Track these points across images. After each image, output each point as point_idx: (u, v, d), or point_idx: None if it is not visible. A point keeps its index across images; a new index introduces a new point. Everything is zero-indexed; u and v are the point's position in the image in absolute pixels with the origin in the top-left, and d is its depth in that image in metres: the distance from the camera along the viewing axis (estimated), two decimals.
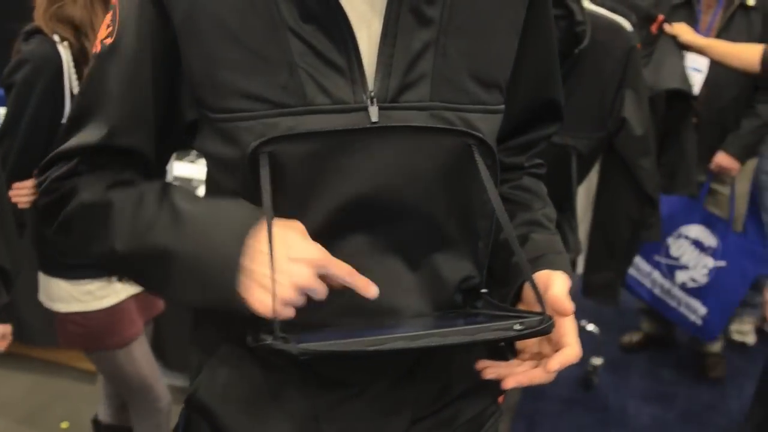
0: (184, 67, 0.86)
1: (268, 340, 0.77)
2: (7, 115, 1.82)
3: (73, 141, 0.89)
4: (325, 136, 0.82)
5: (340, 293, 0.82)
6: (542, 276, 0.90)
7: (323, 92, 0.83)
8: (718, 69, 2.76)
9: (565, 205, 2.30)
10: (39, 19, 1.83)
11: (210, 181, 0.96)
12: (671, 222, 3.06)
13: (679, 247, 3.06)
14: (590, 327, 3.31)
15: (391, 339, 0.77)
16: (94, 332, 2.01)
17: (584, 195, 3.28)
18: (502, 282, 0.97)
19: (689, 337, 3.40)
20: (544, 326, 0.81)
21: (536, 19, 0.96)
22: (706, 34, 2.91)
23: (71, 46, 1.81)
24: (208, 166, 0.95)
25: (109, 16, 0.90)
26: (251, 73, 0.83)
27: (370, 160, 0.84)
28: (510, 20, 0.93)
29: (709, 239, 3.04)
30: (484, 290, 0.96)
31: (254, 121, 0.83)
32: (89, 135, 0.88)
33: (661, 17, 2.65)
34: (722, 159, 2.98)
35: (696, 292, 3.07)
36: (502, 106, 0.93)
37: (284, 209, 0.83)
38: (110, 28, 0.88)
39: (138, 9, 0.86)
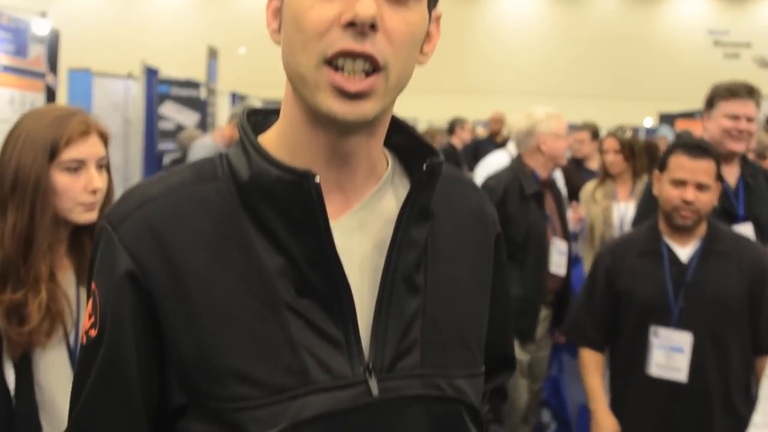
0: (172, 350, 0.82)
1: None
2: None
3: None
4: (332, 418, 0.80)
5: None
6: None
7: (324, 369, 0.82)
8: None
9: None
10: None
11: None
12: None
13: None
14: None
15: None
16: None
17: None
18: None
19: None
20: None
21: (498, 274, 1.00)
22: None
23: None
24: None
25: (90, 305, 0.84)
26: (252, 356, 0.80)
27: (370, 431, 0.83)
28: (482, 280, 0.96)
29: None
30: None
31: (259, 411, 0.79)
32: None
33: None
34: None
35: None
36: (483, 368, 0.94)
37: None
38: (92, 318, 0.84)
39: (118, 296, 0.82)
